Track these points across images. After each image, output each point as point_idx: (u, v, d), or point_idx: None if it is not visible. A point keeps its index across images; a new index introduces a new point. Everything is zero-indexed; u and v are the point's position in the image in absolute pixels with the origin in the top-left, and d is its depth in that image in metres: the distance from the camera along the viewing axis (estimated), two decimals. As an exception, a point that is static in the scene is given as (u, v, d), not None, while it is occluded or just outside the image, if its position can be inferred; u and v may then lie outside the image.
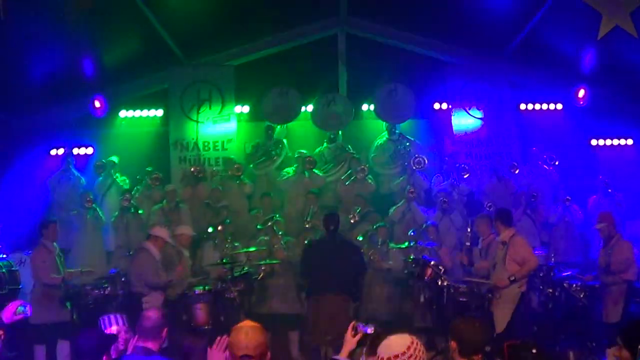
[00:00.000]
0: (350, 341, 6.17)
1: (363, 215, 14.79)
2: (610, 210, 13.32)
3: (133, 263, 12.43)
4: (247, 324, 5.50)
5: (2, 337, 6.71)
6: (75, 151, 16.35)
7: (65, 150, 16.05)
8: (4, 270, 12.36)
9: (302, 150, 16.09)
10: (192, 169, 15.76)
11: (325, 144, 16.46)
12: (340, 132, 16.50)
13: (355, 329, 6.19)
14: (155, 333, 6.70)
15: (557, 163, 15.67)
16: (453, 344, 6.12)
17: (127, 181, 15.82)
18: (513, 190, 15.28)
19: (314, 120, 16.25)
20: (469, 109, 16.38)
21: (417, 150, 15.99)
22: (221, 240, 13.91)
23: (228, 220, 14.46)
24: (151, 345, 6.64)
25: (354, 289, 12.17)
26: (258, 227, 14.20)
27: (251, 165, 16.12)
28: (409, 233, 13.82)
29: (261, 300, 13.50)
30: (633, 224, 14.52)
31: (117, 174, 15.74)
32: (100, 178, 15.71)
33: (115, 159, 15.87)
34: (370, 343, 6.05)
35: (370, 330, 6.16)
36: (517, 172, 15.44)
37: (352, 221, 14.61)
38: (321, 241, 12.63)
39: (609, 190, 15.22)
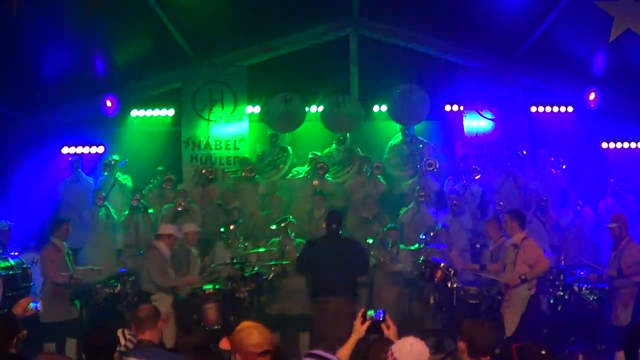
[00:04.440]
0: (359, 329, 6.05)
1: (373, 216, 14.76)
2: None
3: (143, 262, 12.49)
4: (249, 324, 5.46)
5: (26, 336, 6.75)
6: (87, 150, 16.40)
7: (72, 157, 16.08)
8: (18, 271, 12.40)
9: (317, 153, 16.11)
10: (203, 170, 15.69)
11: (334, 145, 16.41)
12: (348, 134, 16.45)
13: (364, 316, 6.04)
14: (150, 323, 6.81)
15: (564, 167, 15.63)
16: (462, 345, 6.11)
17: (130, 180, 15.83)
18: (523, 184, 15.21)
19: (324, 121, 16.20)
20: (481, 111, 16.34)
21: (430, 152, 15.98)
22: (233, 240, 13.87)
23: (241, 221, 14.44)
24: (149, 336, 6.77)
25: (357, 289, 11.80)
26: (271, 227, 14.11)
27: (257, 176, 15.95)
28: (420, 237, 13.76)
29: (272, 301, 13.51)
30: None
31: (119, 173, 15.73)
32: (103, 176, 15.72)
33: (117, 157, 15.85)
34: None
35: (382, 317, 6.01)
36: (524, 153, 15.47)
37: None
38: (323, 240, 11.84)
39: (623, 195, 15.17)
